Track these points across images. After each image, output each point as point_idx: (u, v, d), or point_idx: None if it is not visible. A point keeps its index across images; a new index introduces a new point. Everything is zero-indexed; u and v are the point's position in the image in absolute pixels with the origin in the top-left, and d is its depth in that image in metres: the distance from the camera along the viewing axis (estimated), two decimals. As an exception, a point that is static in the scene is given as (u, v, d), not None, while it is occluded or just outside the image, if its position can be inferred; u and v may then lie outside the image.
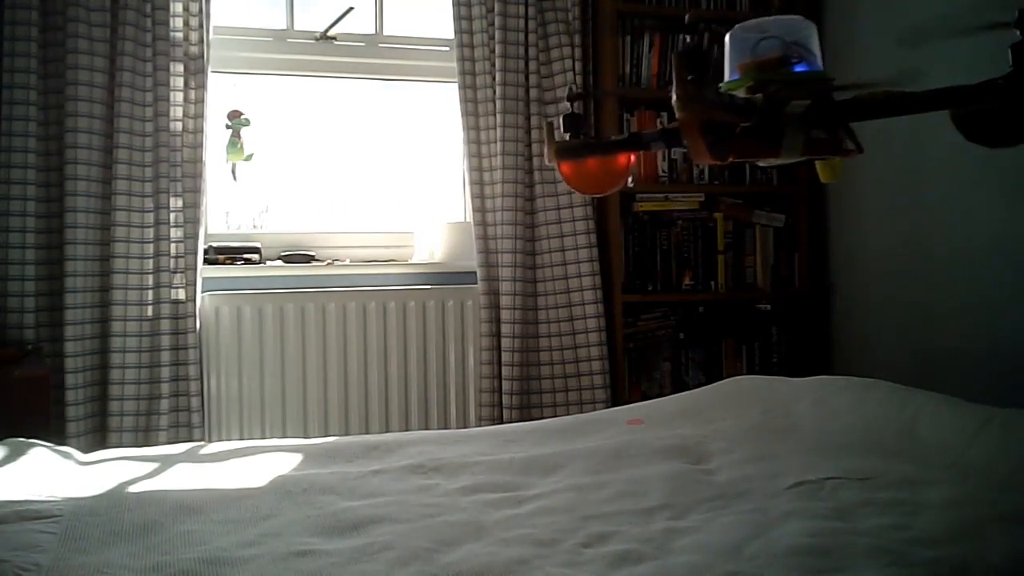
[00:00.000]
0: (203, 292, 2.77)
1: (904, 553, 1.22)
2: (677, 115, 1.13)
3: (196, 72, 2.73)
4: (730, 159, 1.21)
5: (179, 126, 2.71)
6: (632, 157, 1.38)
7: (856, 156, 1.32)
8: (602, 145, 1.38)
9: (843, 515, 1.39)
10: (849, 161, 1.44)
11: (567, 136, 1.36)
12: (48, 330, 2.59)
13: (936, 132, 2.71)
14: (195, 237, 2.73)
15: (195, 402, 2.70)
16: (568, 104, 1.39)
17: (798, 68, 1.24)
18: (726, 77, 1.28)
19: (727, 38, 1.31)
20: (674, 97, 1.12)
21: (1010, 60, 1.20)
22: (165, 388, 2.67)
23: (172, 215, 2.70)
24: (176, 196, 2.71)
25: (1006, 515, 1.34)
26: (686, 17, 1.20)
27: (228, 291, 2.83)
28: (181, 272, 2.72)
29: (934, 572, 1.17)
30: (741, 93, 1.23)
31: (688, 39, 1.16)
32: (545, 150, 1.35)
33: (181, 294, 2.72)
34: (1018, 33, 1.20)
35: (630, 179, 1.35)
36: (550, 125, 1.33)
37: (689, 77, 1.12)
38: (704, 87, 1.13)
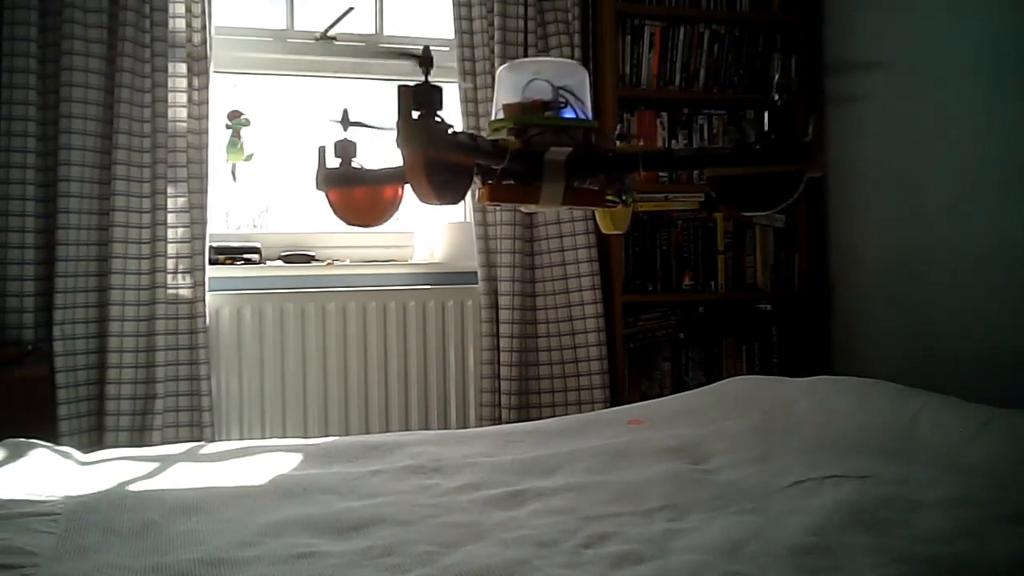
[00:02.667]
0: (208, 291, 2.76)
1: (904, 552, 1.22)
2: (400, 151, 1.09)
3: (199, 73, 2.73)
4: (458, 201, 1.17)
5: (183, 127, 2.71)
6: (400, 190, 1.32)
7: (623, 208, 1.30)
8: (370, 176, 1.31)
9: (843, 514, 1.39)
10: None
11: (338, 163, 1.30)
12: (47, 330, 2.59)
13: (936, 133, 2.72)
14: (202, 237, 2.72)
15: (205, 401, 2.69)
16: (342, 129, 1.32)
17: (565, 113, 1.22)
18: (493, 115, 1.26)
19: (497, 75, 1.29)
20: (396, 134, 1.08)
21: (765, 126, 1.17)
22: (168, 387, 2.67)
23: (173, 215, 2.70)
24: (179, 196, 2.71)
25: (1006, 515, 1.34)
26: (421, 50, 1.18)
27: (228, 291, 2.83)
28: (186, 272, 2.72)
29: (934, 571, 1.17)
30: (503, 133, 1.20)
31: (425, 75, 1.14)
32: (315, 176, 1.30)
33: (187, 293, 2.71)
34: (776, 97, 1.17)
35: (397, 213, 1.32)
36: (322, 150, 1.28)
37: (417, 114, 1.09)
38: (432, 124, 1.10)
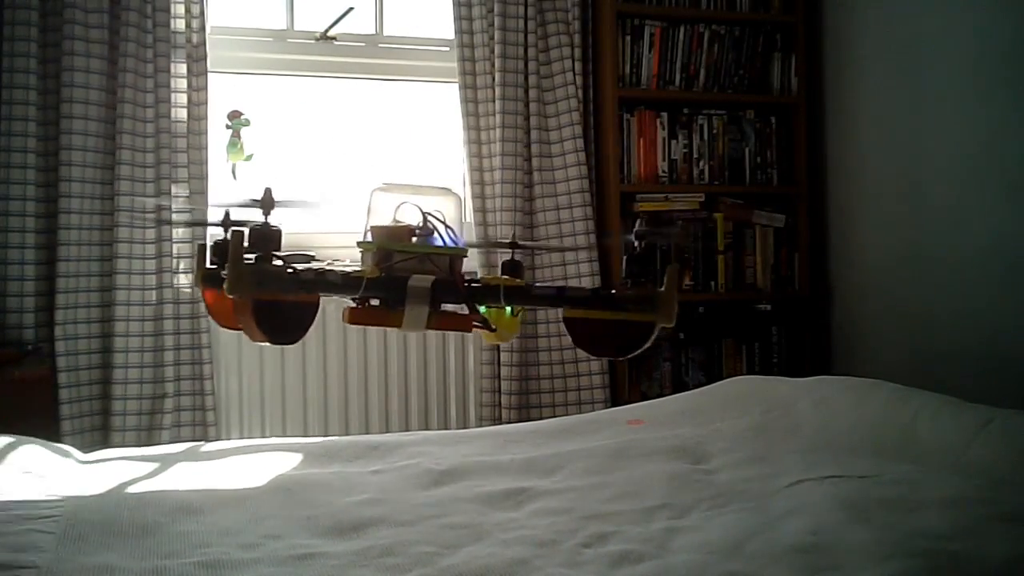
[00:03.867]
0: (205, 292, 2.77)
1: (904, 552, 1.22)
2: (228, 296, 1.08)
3: (199, 73, 2.73)
4: (298, 340, 1.19)
5: (183, 128, 2.71)
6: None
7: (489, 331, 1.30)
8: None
9: (843, 514, 1.39)
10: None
11: (215, 264, 1.25)
12: (48, 330, 2.59)
13: (936, 133, 2.72)
14: (203, 237, 2.72)
15: (209, 400, 2.70)
16: (222, 230, 1.27)
17: (432, 240, 1.23)
18: (362, 236, 1.26)
19: (371, 195, 1.28)
20: (225, 279, 1.07)
21: (623, 272, 1.21)
22: (171, 387, 2.67)
23: (174, 215, 2.70)
24: (180, 196, 2.71)
25: (1006, 515, 1.34)
26: (264, 192, 1.17)
27: (228, 291, 2.83)
28: (189, 272, 2.72)
29: (933, 571, 1.17)
30: (368, 257, 1.22)
31: (264, 216, 1.14)
32: (193, 274, 1.29)
33: (189, 292, 2.71)
34: (636, 244, 1.20)
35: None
36: (201, 248, 1.25)
37: (253, 256, 1.08)
38: (266, 266, 1.10)
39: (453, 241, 1.25)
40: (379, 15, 3.15)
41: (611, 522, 1.41)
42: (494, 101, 2.98)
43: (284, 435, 2.80)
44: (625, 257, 1.19)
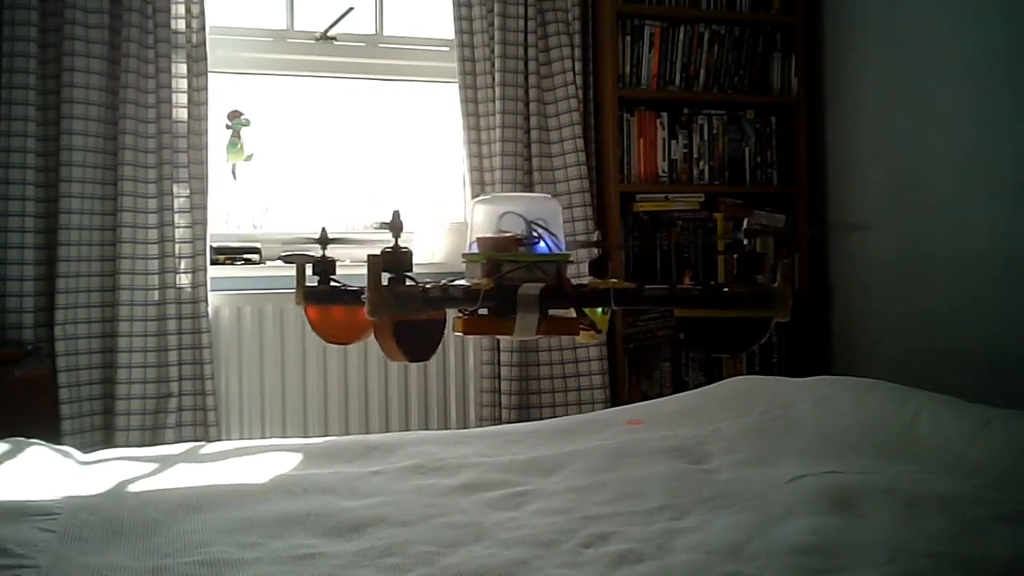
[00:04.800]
0: (210, 291, 2.76)
1: (904, 552, 1.22)
2: (369, 317, 1.13)
3: (199, 74, 2.73)
4: (430, 357, 1.23)
5: (184, 128, 2.71)
6: None
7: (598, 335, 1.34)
8: (349, 295, 1.33)
9: (843, 514, 1.39)
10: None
11: (317, 280, 1.34)
12: (48, 330, 2.59)
13: (936, 133, 2.72)
14: (203, 237, 2.73)
15: (210, 401, 2.70)
16: (320, 247, 1.36)
17: (538, 248, 1.26)
18: (467, 247, 1.31)
19: (473, 207, 1.32)
20: (366, 301, 1.13)
21: (734, 270, 1.21)
22: (174, 387, 2.67)
23: (177, 214, 2.70)
24: (181, 196, 2.71)
25: (1006, 515, 1.34)
26: (393, 215, 1.21)
27: (228, 291, 2.83)
28: (189, 271, 2.72)
29: (934, 571, 1.17)
30: (476, 268, 1.26)
31: (395, 239, 1.18)
32: (295, 293, 1.33)
33: (190, 292, 2.72)
34: (745, 243, 1.21)
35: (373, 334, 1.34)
36: (301, 267, 1.32)
37: (390, 278, 1.13)
38: (401, 288, 1.15)
39: (557, 247, 1.27)
40: (379, 15, 3.15)
41: (611, 522, 1.41)
42: (494, 101, 2.98)
43: (284, 435, 2.80)
44: (735, 256, 1.21)
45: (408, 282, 1.22)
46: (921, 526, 1.32)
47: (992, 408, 1.76)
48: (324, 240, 1.36)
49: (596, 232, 1.43)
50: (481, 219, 1.31)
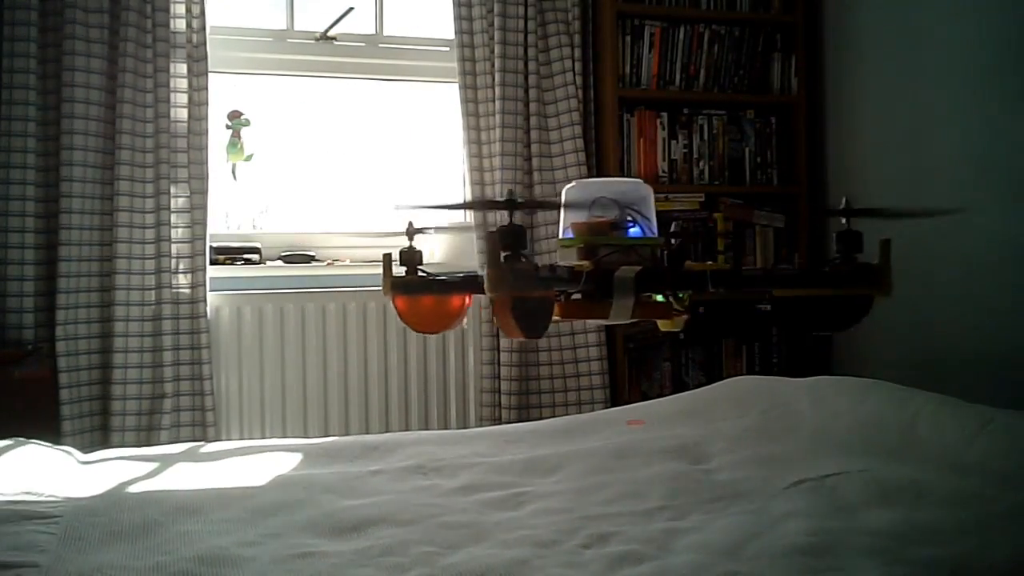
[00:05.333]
0: (209, 291, 2.76)
1: (904, 552, 1.22)
2: (487, 294, 1.14)
3: (199, 74, 2.73)
4: (543, 334, 1.21)
5: (183, 128, 2.71)
6: (468, 299, 1.35)
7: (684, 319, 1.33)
8: (438, 284, 1.34)
9: (843, 514, 1.39)
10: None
11: (404, 271, 1.34)
12: (47, 330, 2.59)
13: (936, 134, 2.72)
14: (203, 237, 2.73)
15: (208, 401, 2.70)
16: (408, 238, 1.36)
17: (631, 232, 1.27)
18: (560, 233, 1.31)
19: (564, 193, 1.33)
20: (484, 278, 1.13)
21: (835, 248, 1.22)
22: (174, 387, 2.67)
23: (175, 215, 2.70)
24: (180, 195, 2.71)
25: (1006, 514, 1.34)
26: (508, 192, 1.22)
27: (228, 291, 2.83)
28: (188, 271, 2.72)
29: (934, 571, 1.17)
30: (573, 252, 1.26)
31: (508, 217, 1.18)
32: (382, 283, 1.33)
33: (188, 292, 2.72)
34: (843, 221, 1.21)
35: (464, 321, 1.35)
36: (387, 257, 1.31)
37: (504, 255, 1.12)
38: (518, 264, 1.14)
39: (650, 232, 1.28)
40: (379, 15, 3.15)
41: (611, 522, 1.41)
42: (494, 101, 2.98)
43: (284, 435, 2.80)
44: (834, 234, 1.21)
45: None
46: (921, 526, 1.32)
47: (992, 408, 1.76)
48: (412, 231, 1.37)
49: (675, 222, 1.43)
50: (572, 205, 1.31)
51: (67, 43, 2.57)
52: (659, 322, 1.38)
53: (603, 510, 1.47)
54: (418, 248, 1.33)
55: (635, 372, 3.09)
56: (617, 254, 1.23)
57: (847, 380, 2.16)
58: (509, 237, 1.14)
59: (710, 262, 1.31)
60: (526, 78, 3.02)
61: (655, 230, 1.30)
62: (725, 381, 2.39)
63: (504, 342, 2.96)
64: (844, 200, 1.22)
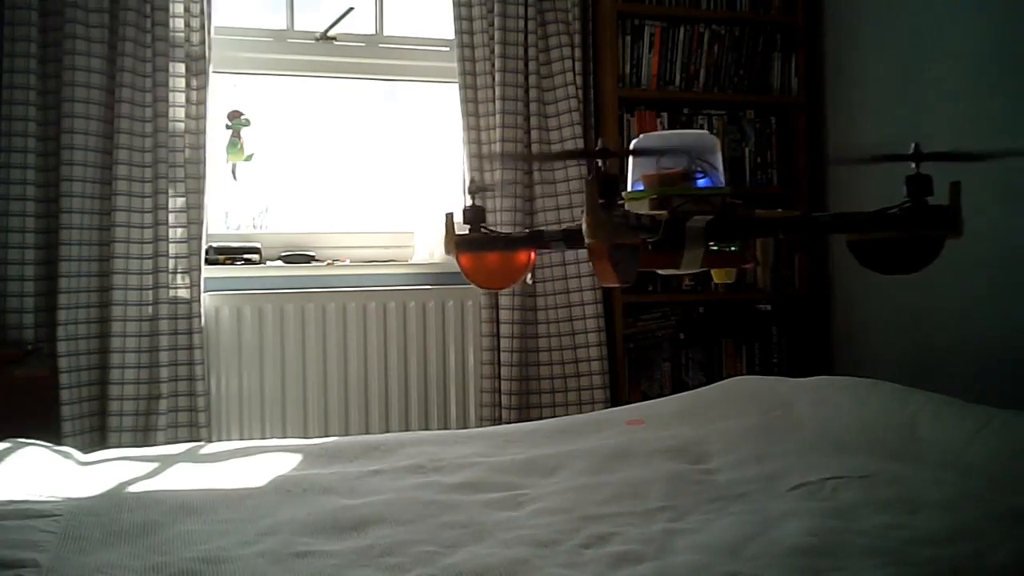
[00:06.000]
0: (204, 292, 2.76)
1: (904, 553, 1.22)
2: (586, 240, 1.15)
3: (198, 73, 2.73)
4: (634, 280, 1.23)
5: (180, 127, 2.71)
6: (533, 254, 1.37)
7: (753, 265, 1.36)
8: (503, 240, 1.36)
9: (843, 515, 1.39)
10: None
11: (468, 229, 1.35)
12: (47, 330, 2.59)
13: (936, 133, 2.71)
14: (199, 238, 2.73)
15: (201, 402, 2.70)
16: (470, 196, 1.38)
17: (701, 182, 1.28)
18: (629, 186, 1.32)
19: (632, 147, 1.35)
20: (583, 223, 1.14)
21: (905, 192, 1.25)
22: (166, 388, 2.67)
23: (173, 215, 2.70)
24: (177, 196, 2.71)
25: (1006, 515, 1.34)
26: (599, 142, 1.22)
27: (228, 291, 2.83)
28: (184, 272, 2.72)
29: (934, 571, 1.17)
30: (644, 204, 1.27)
31: (599, 164, 1.19)
32: (444, 241, 1.35)
33: (184, 293, 2.72)
34: (913, 166, 1.25)
35: (529, 276, 1.35)
36: (450, 217, 1.33)
37: (600, 202, 1.14)
38: (613, 212, 1.16)
39: (719, 183, 1.29)
40: (379, 15, 3.15)
41: (611, 523, 1.41)
42: (494, 101, 2.98)
43: (284, 435, 2.80)
44: (906, 177, 1.25)
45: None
46: (921, 527, 1.32)
47: (992, 408, 1.76)
48: (475, 189, 1.40)
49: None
50: (641, 158, 1.32)
51: (67, 43, 2.57)
52: (713, 272, 1.39)
53: (603, 510, 1.47)
54: (480, 206, 1.34)
55: (635, 372, 3.09)
56: (689, 204, 1.24)
57: (847, 380, 2.16)
58: (606, 185, 1.14)
59: (779, 209, 1.33)
60: (526, 78, 3.02)
61: (722, 180, 1.31)
62: (725, 381, 2.39)
63: (504, 342, 2.96)
64: (913, 145, 1.23)
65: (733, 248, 1.32)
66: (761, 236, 1.28)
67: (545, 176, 3.05)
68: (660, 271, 1.41)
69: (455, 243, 1.33)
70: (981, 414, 1.73)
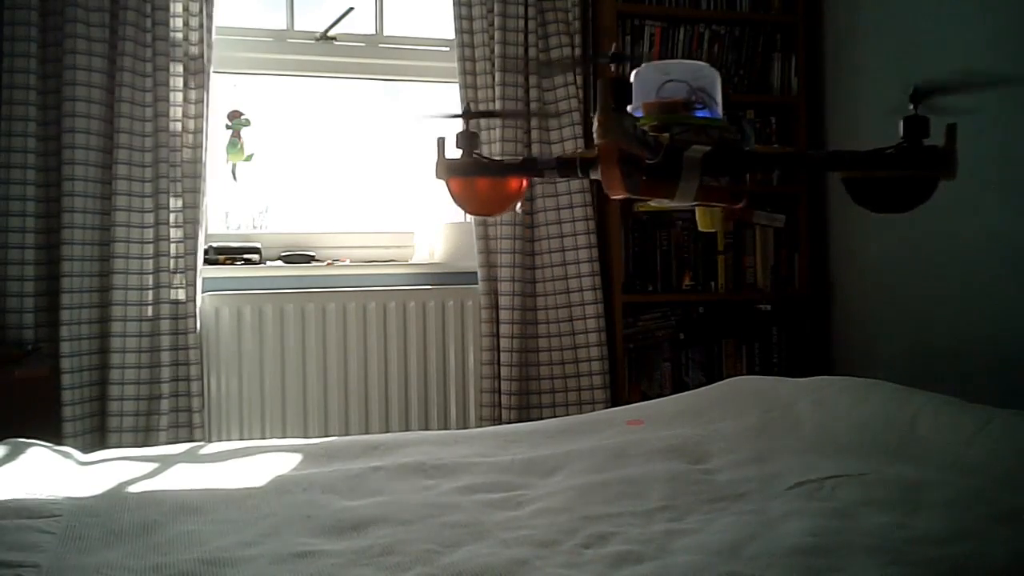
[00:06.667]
0: (203, 292, 2.77)
1: (904, 552, 1.22)
2: (596, 141, 1.12)
3: (196, 72, 2.73)
4: (634, 193, 1.20)
5: (179, 126, 2.71)
6: (524, 182, 1.35)
7: (741, 211, 1.35)
8: (495, 167, 1.33)
9: (843, 515, 1.39)
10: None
11: (460, 154, 1.32)
12: (47, 330, 2.59)
13: (936, 133, 2.71)
14: (195, 237, 2.73)
15: (196, 402, 2.70)
16: (463, 121, 1.34)
17: (700, 114, 1.25)
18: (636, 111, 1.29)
19: (633, 75, 1.32)
20: (595, 124, 1.11)
21: (900, 132, 1.24)
22: (165, 388, 2.67)
23: (173, 215, 2.70)
24: (176, 196, 2.71)
25: (1006, 515, 1.34)
26: (613, 47, 1.20)
27: (228, 291, 2.83)
28: (181, 272, 2.72)
29: (934, 572, 1.17)
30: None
31: (613, 68, 1.17)
32: (435, 165, 1.31)
33: (181, 294, 2.72)
34: (911, 107, 1.24)
35: (519, 205, 1.33)
36: (441, 141, 1.30)
37: (612, 106, 1.11)
38: (625, 118, 1.12)
39: (717, 115, 1.26)
40: (379, 15, 3.15)
41: (611, 523, 1.41)
42: (494, 101, 2.98)
43: (284, 435, 2.80)
44: (902, 119, 1.23)
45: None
46: (921, 527, 1.32)
47: (992, 408, 1.76)
48: (468, 114, 1.35)
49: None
50: (641, 86, 1.29)
51: (67, 43, 2.57)
52: (699, 218, 1.36)
53: (603, 510, 1.47)
54: (475, 131, 1.31)
55: (635, 372, 3.09)
56: (688, 134, 1.21)
57: (847, 380, 2.16)
58: (619, 90, 1.11)
59: (776, 145, 1.31)
60: (526, 78, 3.02)
61: (720, 113, 1.28)
62: (725, 381, 2.39)
63: (504, 342, 2.96)
64: (912, 87, 1.23)
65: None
66: (758, 171, 1.26)
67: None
68: (652, 201, 1.37)
69: (445, 167, 1.30)
70: (981, 414, 1.73)
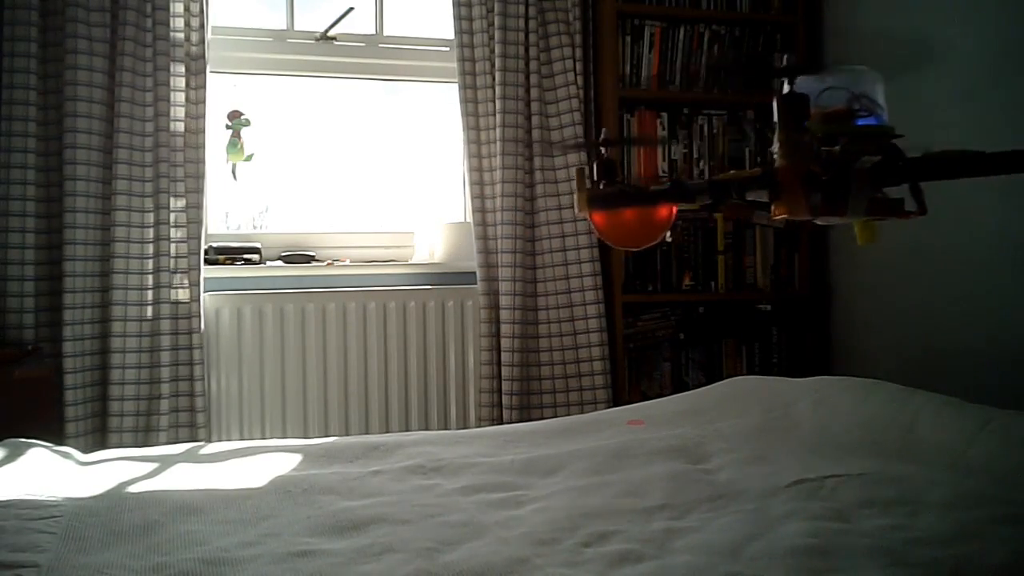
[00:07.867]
0: (204, 292, 2.76)
1: (904, 553, 1.22)
2: (778, 163, 1.04)
3: (197, 72, 2.73)
4: (819, 215, 1.11)
5: (180, 126, 2.71)
6: (674, 209, 1.24)
7: (918, 218, 1.21)
8: (641, 195, 1.21)
9: (843, 515, 1.39)
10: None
11: (601, 184, 1.21)
12: (48, 330, 2.59)
13: (936, 132, 2.71)
14: (197, 237, 2.73)
15: (199, 402, 2.70)
16: (602, 149, 1.23)
17: (863, 121, 1.17)
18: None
19: (795, 83, 1.22)
20: (775, 144, 1.04)
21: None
22: (166, 388, 2.67)
23: (173, 215, 2.70)
24: (177, 196, 2.71)
25: (1006, 516, 1.34)
26: (784, 58, 1.12)
27: (228, 291, 2.83)
28: (183, 272, 2.72)
29: (934, 572, 1.17)
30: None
31: (785, 83, 1.08)
32: (575, 199, 1.21)
33: (183, 294, 2.72)
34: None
35: (668, 233, 1.23)
36: (581, 172, 1.20)
37: (792, 126, 1.04)
38: (804, 136, 1.06)
39: (883, 121, 1.19)
40: (379, 15, 3.15)
41: (611, 522, 1.41)
42: (494, 101, 2.98)
43: (284, 435, 2.80)
44: None
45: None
46: (921, 527, 1.32)
47: (992, 408, 1.76)
48: (607, 140, 1.26)
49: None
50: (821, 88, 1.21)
51: (68, 43, 2.57)
52: (857, 232, 1.24)
53: (603, 510, 1.47)
54: (612, 159, 1.22)
55: (635, 372, 3.09)
56: (855, 144, 1.13)
57: (847, 380, 2.16)
58: (797, 106, 1.04)
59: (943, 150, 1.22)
60: (526, 78, 3.02)
61: (886, 119, 1.20)
62: (725, 381, 2.39)
63: (504, 342, 2.96)
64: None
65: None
66: (936, 179, 1.17)
67: (547, 176, 3.04)
68: (820, 221, 1.23)
69: (587, 199, 1.20)
70: (981, 414, 1.73)
